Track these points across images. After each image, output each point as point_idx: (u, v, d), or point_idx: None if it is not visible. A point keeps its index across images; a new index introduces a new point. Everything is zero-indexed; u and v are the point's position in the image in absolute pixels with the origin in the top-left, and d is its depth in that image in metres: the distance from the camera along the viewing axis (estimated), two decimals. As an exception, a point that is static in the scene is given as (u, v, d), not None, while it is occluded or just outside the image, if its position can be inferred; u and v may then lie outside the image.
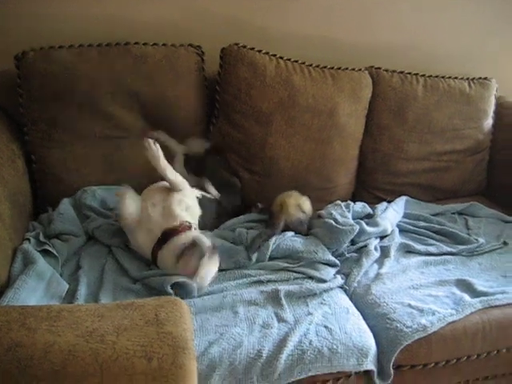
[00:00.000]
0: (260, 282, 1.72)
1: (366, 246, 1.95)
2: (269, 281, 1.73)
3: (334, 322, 1.57)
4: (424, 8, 2.43)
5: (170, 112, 2.06)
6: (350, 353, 1.51)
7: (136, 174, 1.97)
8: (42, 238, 1.71)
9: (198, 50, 2.10)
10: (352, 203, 2.14)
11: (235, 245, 1.86)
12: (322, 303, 1.66)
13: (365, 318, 1.65)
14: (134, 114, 2.01)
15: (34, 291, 1.48)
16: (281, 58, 2.14)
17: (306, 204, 2.04)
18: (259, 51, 2.11)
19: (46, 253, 1.66)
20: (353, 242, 1.98)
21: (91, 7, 2.07)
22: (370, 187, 2.38)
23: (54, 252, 1.66)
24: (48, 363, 1.01)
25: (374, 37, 2.40)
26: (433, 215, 2.21)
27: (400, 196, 2.30)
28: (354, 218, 2.05)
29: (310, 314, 1.59)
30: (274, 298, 1.64)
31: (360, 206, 2.14)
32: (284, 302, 1.63)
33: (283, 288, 1.66)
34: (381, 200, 2.30)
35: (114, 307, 1.16)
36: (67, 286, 1.56)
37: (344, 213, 2.03)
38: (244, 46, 2.09)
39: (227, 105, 2.11)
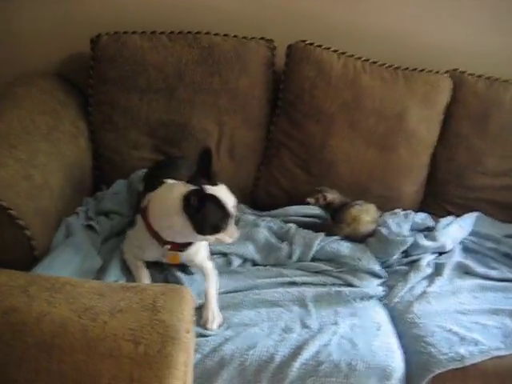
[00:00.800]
0: (293, 283, 1.67)
1: (418, 260, 1.82)
2: (304, 283, 1.67)
3: (361, 337, 1.49)
4: None
5: (231, 105, 2.06)
6: (371, 372, 1.42)
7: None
8: (90, 213, 1.80)
9: (269, 44, 2.08)
10: (413, 213, 2.01)
11: (281, 240, 1.83)
12: (352, 314, 1.58)
13: (399, 337, 1.55)
14: (195, 105, 2.04)
15: (68, 263, 1.56)
16: (350, 56, 2.06)
17: (379, 221, 1.94)
18: (327, 49, 2.05)
19: (90, 228, 1.75)
20: (406, 254, 1.86)
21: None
22: (440, 199, 2.21)
23: (97, 228, 1.74)
24: (39, 332, 1.05)
25: (461, 37, 2.21)
26: (505, 237, 2.00)
27: (471, 212, 2.11)
28: (412, 230, 1.93)
29: (335, 323, 1.52)
30: (300, 302, 1.59)
31: (421, 217, 2.01)
32: (311, 306, 1.57)
33: (311, 292, 1.61)
34: (450, 214, 2.14)
35: (117, 288, 1.19)
36: (101, 263, 1.63)
37: (400, 222, 1.91)
38: (311, 44, 2.04)
39: (289, 104, 2.07)
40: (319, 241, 1.78)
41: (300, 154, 2.09)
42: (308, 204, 1.97)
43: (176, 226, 1.50)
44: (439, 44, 2.17)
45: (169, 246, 1.57)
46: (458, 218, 2.04)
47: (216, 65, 2.02)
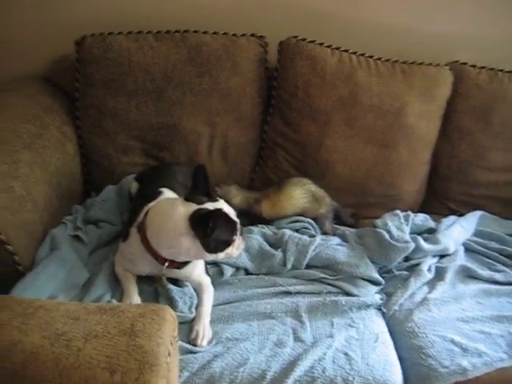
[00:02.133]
0: (287, 293, 1.60)
1: (419, 264, 1.74)
2: (298, 292, 1.61)
3: (357, 350, 1.41)
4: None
5: (223, 105, 1.98)
6: (368, 387, 1.35)
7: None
8: (78, 222, 1.73)
9: (260, 40, 2.00)
10: (412, 215, 1.92)
11: (274, 247, 1.76)
12: (349, 325, 1.50)
13: (397, 349, 1.48)
14: (184, 107, 1.96)
15: (53, 277, 1.50)
16: (345, 51, 1.98)
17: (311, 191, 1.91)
18: (320, 44, 1.96)
19: (78, 239, 1.69)
20: (406, 259, 1.78)
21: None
22: (443, 197, 2.13)
23: (84, 239, 1.68)
24: (9, 363, 1.00)
25: (461, 28, 2.11)
26: (510, 235, 1.91)
27: (475, 210, 2.03)
28: (412, 232, 1.85)
29: (331, 336, 1.45)
30: (294, 313, 1.52)
31: (421, 219, 1.92)
32: (305, 318, 1.50)
33: (305, 302, 1.54)
34: (453, 212, 2.07)
35: (93, 310, 1.12)
36: (87, 276, 1.57)
37: (401, 225, 1.83)
38: (303, 39, 1.95)
39: (283, 102, 2.00)
40: (314, 247, 1.70)
41: (296, 155, 2.01)
42: None
43: (183, 246, 1.43)
44: (438, 35, 2.09)
45: (166, 264, 1.48)
46: (461, 218, 1.95)
47: (205, 64, 1.94)
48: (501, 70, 2.05)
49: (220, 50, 1.95)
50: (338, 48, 1.97)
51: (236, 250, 1.51)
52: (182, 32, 1.97)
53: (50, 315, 1.09)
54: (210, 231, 1.38)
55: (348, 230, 1.88)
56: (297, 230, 1.84)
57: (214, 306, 1.53)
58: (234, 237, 1.47)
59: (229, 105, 1.99)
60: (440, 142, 2.07)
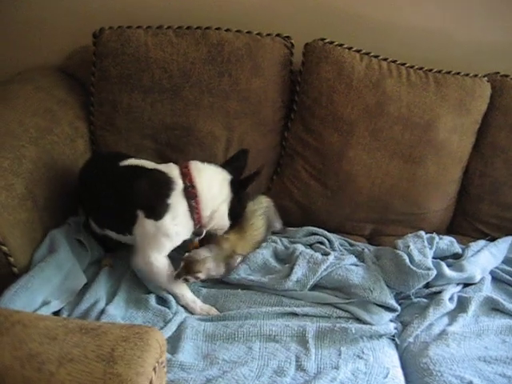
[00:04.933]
0: (294, 315, 1.49)
1: (440, 292, 1.61)
2: (305, 315, 1.50)
3: (364, 386, 1.30)
4: None
5: (242, 108, 1.88)
6: (372, 430, 1.23)
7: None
8: (81, 226, 1.66)
9: (286, 41, 1.89)
10: (437, 237, 1.77)
11: (283, 262, 1.66)
12: (358, 356, 1.38)
13: (409, 386, 1.35)
14: (201, 108, 1.87)
15: (49, 281, 1.43)
16: (375, 56, 1.85)
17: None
18: (349, 48, 1.84)
19: (80, 242, 1.62)
20: (427, 285, 1.65)
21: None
22: (472, 218, 1.98)
23: (86, 244, 1.61)
24: (-25, 384, 0.93)
25: (502, 37, 1.95)
26: (544, 266, 1.76)
27: (507, 234, 1.88)
28: (436, 256, 1.71)
29: (336, 367, 1.33)
30: (300, 338, 1.41)
31: (447, 243, 1.77)
32: (311, 344, 1.39)
33: (313, 326, 1.42)
34: (483, 234, 1.93)
35: (74, 329, 1.03)
36: (84, 281, 1.50)
37: (424, 249, 1.68)
38: (331, 42, 1.83)
39: (305, 108, 1.88)
40: (325, 266, 1.58)
41: (316, 164, 1.89)
42: None
43: (220, 211, 1.54)
44: (477, 44, 1.93)
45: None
46: (491, 244, 1.80)
47: (226, 63, 1.84)
48: (545, 85, 1.89)
49: (242, 49, 1.84)
50: (367, 53, 1.85)
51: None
52: (204, 28, 1.87)
53: (26, 332, 1.01)
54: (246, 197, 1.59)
55: (367, 248, 1.76)
56: (310, 245, 1.74)
57: (217, 319, 1.45)
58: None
59: (248, 108, 1.88)
60: (472, 159, 1.93)
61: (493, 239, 1.86)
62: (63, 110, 1.84)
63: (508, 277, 1.71)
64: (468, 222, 1.99)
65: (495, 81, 1.89)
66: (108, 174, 1.56)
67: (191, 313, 1.49)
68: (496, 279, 1.71)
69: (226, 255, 1.57)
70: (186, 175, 1.50)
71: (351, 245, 1.82)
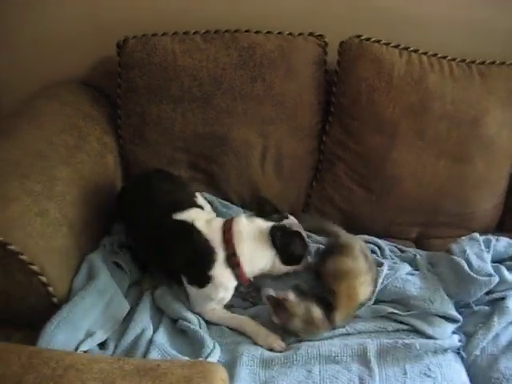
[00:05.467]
0: (348, 334, 1.40)
1: (503, 298, 1.51)
2: (360, 332, 1.41)
3: (436, 407, 1.21)
4: None
5: (277, 113, 1.79)
6: None
7: (229, 189, 1.83)
8: (115, 246, 1.59)
9: (319, 40, 1.80)
10: (494, 239, 1.66)
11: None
12: (425, 374, 1.30)
13: (482, 404, 1.26)
14: (235, 115, 1.78)
15: (90, 311, 1.37)
16: (414, 51, 1.75)
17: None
18: (387, 44, 1.74)
19: (117, 265, 1.54)
20: (487, 291, 1.54)
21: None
22: (524, 215, 1.88)
23: (124, 266, 1.53)
24: None
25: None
26: None
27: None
28: (493, 260, 1.60)
29: (404, 388, 1.25)
30: (362, 357, 1.32)
31: (504, 245, 1.66)
32: (374, 363, 1.30)
33: (374, 344, 1.34)
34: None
35: (132, 371, 0.96)
36: (128, 308, 1.43)
37: (481, 253, 1.58)
38: (368, 39, 1.74)
39: (344, 109, 1.78)
40: (382, 279, 1.49)
41: (358, 168, 1.80)
42: None
43: (264, 259, 1.49)
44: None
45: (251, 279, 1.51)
46: (550, 243, 1.70)
47: (258, 67, 1.75)
48: None
49: (274, 52, 1.75)
50: (406, 48, 1.75)
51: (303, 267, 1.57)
52: (233, 32, 1.79)
53: (81, 378, 0.94)
54: (288, 247, 1.48)
55: (419, 254, 1.66)
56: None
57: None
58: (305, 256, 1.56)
59: (283, 113, 1.79)
60: (522, 153, 1.82)
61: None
62: (90, 126, 1.77)
63: None
64: (518, 219, 1.88)
65: (542, 69, 1.78)
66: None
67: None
68: (558, 282, 1.61)
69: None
70: (229, 242, 1.44)
71: (402, 251, 1.73)
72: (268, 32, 1.79)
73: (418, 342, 1.36)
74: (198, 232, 1.46)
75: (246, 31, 1.79)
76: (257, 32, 1.79)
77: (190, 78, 1.75)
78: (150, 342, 1.33)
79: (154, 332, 1.37)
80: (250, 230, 1.48)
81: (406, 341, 1.36)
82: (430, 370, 1.31)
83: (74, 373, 0.94)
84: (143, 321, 1.39)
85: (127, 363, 0.99)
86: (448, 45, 1.79)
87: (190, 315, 1.42)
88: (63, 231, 1.43)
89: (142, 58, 1.75)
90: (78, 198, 1.54)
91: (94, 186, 1.64)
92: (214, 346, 1.34)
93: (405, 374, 1.29)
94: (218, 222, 1.50)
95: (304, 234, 1.56)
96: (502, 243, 1.66)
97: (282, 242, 1.46)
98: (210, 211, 1.71)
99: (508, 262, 1.62)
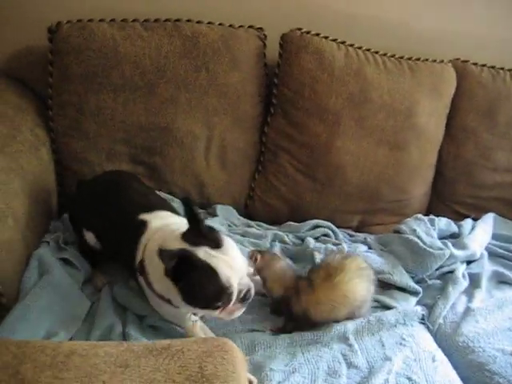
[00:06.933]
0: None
1: (451, 272, 1.61)
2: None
3: (419, 372, 1.25)
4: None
5: (221, 104, 1.76)
6: (442, 415, 1.18)
7: (172, 182, 1.77)
8: (61, 242, 1.45)
9: (259, 32, 1.81)
10: (436, 218, 1.79)
11: (294, 260, 1.56)
12: (401, 344, 1.33)
13: (454, 367, 1.31)
14: (179, 105, 1.72)
15: (49, 309, 1.23)
16: (351, 45, 1.82)
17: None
18: (326, 37, 1.80)
19: (65, 262, 1.40)
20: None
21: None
22: (449, 200, 2.02)
23: (76, 262, 1.40)
24: None
25: (462, 25, 2.03)
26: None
27: (481, 212, 1.94)
28: (438, 238, 1.71)
29: (388, 359, 1.27)
30: (341, 336, 1.32)
31: (445, 223, 1.79)
32: (352, 340, 1.31)
33: (353, 323, 1.34)
34: (460, 215, 1.97)
35: (143, 352, 0.87)
36: (89, 305, 1.31)
37: (429, 230, 1.69)
38: (308, 32, 1.78)
39: (287, 101, 1.80)
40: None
41: (302, 158, 1.82)
42: None
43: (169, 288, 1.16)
44: (439, 32, 1.97)
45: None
46: (479, 221, 1.86)
47: (202, 57, 1.71)
48: (501, 69, 1.99)
49: (218, 42, 1.73)
50: (343, 42, 1.82)
51: (227, 315, 1.20)
52: (174, 21, 1.73)
53: (88, 362, 0.83)
54: (181, 278, 1.11)
55: (369, 237, 1.72)
56: (316, 238, 1.67)
57: (252, 330, 1.32)
58: (220, 300, 1.13)
59: (227, 104, 1.77)
60: (445, 142, 1.97)
61: (474, 219, 1.91)
62: (20, 116, 1.61)
63: (501, 251, 1.77)
64: (445, 204, 2.02)
65: (458, 66, 1.95)
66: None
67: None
68: (491, 254, 1.75)
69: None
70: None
71: (351, 236, 1.78)
72: (209, 22, 1.76)
73: (387, 314, 1.39)
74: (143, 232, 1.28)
75: (188, 20, 1.74)
76: (198, 22, 1.75)
77: (131, 66, 1.67)
78: (123, 335, 1.21)
79: (125, 326, 1.25)
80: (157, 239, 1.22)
81: (377, 314, 1.39)
82: (404, 339, 1.34)
83: (78, 358, 0.82)
84: (110, 316, 1.26)
85: (133, 345, 0.88)
86: (377, 42, 1.89)
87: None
88: (9, 223, 1.27)
89: (78, 43, 1.63)
90: (20, 187, 1.39)
91: (33, 178, 1.48)
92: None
93: (383, 345, 1.32)
94: (171, 228, 1.26)
95: (227, 270, 1.12)
96: (443, 222, 1.79)
97: (176, 273, 1.11)
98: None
99: (450, 239, 1.74)
